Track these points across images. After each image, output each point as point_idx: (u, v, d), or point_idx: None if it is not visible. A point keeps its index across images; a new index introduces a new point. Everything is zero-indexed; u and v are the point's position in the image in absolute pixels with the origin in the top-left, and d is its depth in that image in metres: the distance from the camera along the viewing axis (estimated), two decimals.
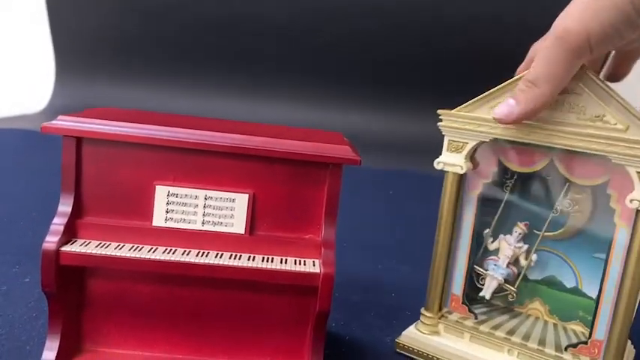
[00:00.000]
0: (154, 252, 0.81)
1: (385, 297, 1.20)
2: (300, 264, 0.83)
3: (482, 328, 0.95)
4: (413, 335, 0.99)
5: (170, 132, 0.81)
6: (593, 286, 0.95)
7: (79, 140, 0.81)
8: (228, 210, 0.83)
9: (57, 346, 0.81)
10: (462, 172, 0.91)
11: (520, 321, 0.99)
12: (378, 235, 1.64)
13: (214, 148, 0.81)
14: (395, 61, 3.34)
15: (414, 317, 1.04)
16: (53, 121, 0.80)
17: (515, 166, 0.94)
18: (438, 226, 0.95)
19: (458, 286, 1.00)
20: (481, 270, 1.00)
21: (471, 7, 3.12)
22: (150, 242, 0.82)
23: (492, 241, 1.00)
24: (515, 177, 0.97)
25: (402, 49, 3.31)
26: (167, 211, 0.83)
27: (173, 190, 0.83)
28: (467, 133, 0.89)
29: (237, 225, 0.84)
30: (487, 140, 0.88)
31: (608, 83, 0.81)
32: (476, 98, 0.87)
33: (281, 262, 0.82)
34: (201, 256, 0.81)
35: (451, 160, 0.91)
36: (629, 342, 0.97)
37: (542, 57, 0.77)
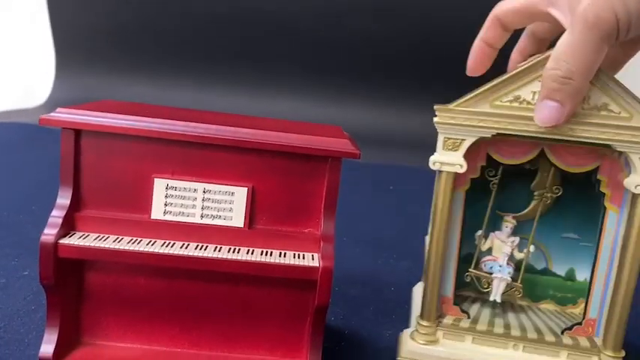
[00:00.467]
0: (152, 245, 0.80)
1: (384, 291, 1.20)
2: (299, 258, 0.82)
3: (479, 327, 0.93)
4: (414, 349, 0.92)
5: (169, 124, 0.80)
6: (562, 265, 1.01)
7: (78, 133, 0.81)
8: (227, 203, 0.83)
9: (55, 339, 0.81)
10: (461, 171, 0.87)
11: (504, 310, 0.99)
12: (377, 230, 1.64)
13: (213, 141, 0.81)
14: (396, 56, 3.33)
15: None
16: (52, 114, 0.79)
17: (504, 159, 0.91)
18: (433, 231, 0.90)
19: (448, 288, 0.95)
20: (483, 274, 0.97)
21: (473, 3, 3.11)
22: (148, 235, 0.82)
23: (485, 242, 0.98)
24: (499, 174, 0.95)
25: (403, 45, 3.30)
26: (166, 204, 0.83)
27: (172, 183, 0.82)
28: (466, 130, 0.85)
29: (236, 218, 0.83)
30: (489, 136, 0.85)
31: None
32: (474, 93, 0.84)
33: (280, 256, 0.82)
34: (200, 249, 0.81)
35: (448, 159, 0.86)
36: None
37: (571, 48, 0.75)
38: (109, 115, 0.80)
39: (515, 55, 0.99)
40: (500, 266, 0.96)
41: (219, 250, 0.81)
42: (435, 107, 0.85)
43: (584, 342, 0.91)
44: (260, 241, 0.84)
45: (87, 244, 0.79)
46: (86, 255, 0.79)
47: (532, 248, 0.97)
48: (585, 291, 0.95)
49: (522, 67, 0.82)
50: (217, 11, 3.32)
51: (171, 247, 0.81)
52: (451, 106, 0.84)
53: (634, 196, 0.84)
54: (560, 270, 1.01)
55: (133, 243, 0.80)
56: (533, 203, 0.97)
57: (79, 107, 0.82)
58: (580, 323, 0.93)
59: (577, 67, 0.75)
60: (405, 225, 1.71)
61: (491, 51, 0.95)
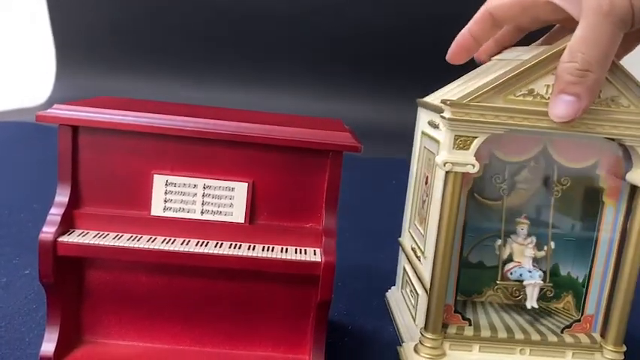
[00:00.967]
0: (152, 242, 0.80)
1: (388, 286, 1.19)
2: (300, 253, 0.81)
3: (483, 334, 0.90)
4: None
5: (168, 120, 0.79)
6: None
7: (75, 129, 0.80)
8: (227, 199, 0.82)
9: (56, 338, 0.81)
10: (473, 171, 0.82)
11: (497, 311, 0.97)
12: (380, 224, 1.62)
13: (213, 136, 0.80)
14: (398, 50, 3.32)
15: None
16: (49, 110, 0.78)
17: (508, 156, 0.88)
18: (440, 237, 0.85)
19: (449, 295, 0.90)
20: (513, 283, 0.94)
21: None
22: (148, 232, 0.81)
23: (504, 249, 0.95)
24: (506, 179, 0.93)
25: (405, 38, 3.29)
26: (165, 201, 0.82)
27: (171, 179, 0.81)
28: (479, 127, 0.80)
29: (237, 214, 0.82)
30: (501, 132, 0.81)
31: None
32: (486, 88, 0.79)
33: (281, 251, 0.81)
34: (201, 245, 0.80)
35: (459, 159, 0.81)
36: None
37: (587, 39, 0.73)
38: (106, 110, 0.79)
39: (490, 43, 0.96)
40: (530, 271, 0.92)
41: (220, 246, 0.80)
42: (449, 102, 0.79)
43: (584, 339, 0.91)
44: (261, 237, 0.83)
45: (86, 241, 0.78)
46: (86, 253, 0.79)
47: (552, 245, 0.93)
48: (569, 286, 0.95)
49: (537, 60, 0.78)
50: (218, 7, 3.31)
51: (172, 243, 0.80)
52: (465, 100, 0.78)
53: (636, 190, 0.84)
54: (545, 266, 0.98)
55: (133, 240, 0.80)
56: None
57: (76, 103, 0.81)
58: (579, 320, 0.92)
59: (594, 58, 0.73)
60: None
61: (474, 44, 0.94)
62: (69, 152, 0.80)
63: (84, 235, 0.79)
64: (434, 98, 0.99)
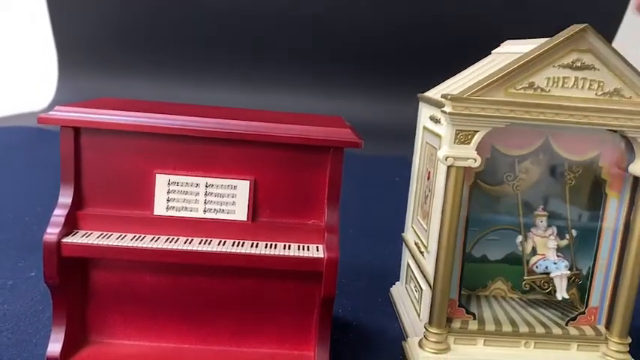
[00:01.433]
0: (155, 241, 0.80)
1: (392, 282, 1.19)
2: (303, 249, 0.81)
3: (488, 327, 0.90)
4: (429, 359, 0.87)
5: (169, 119, 0.80)
6: None
7: (77, 130, 0.80)
8: (229, 197, 0.82)
9: (62, 338, 0.81)
10: (475, 165, 0.82)
11: (501, 305, 0.97)
12: (384, 222, 1.63)
13: (214, 134, 0.80)
14: (399, 47, 3.32)
15: None
16: (50, 112, 0.79)
17: (510, 150, 0.88)
18: (443, 231, 0.85)
19: (453, 290, 0.89)
20: (540, 276, 0.93)
21: None
22: (152, 231, 0.82)
23: (526, 244, 0.95)
24: (517, 176, 0.93)
25: (407, 36, 3.29)
26: (168, 200, 0.82)
27: (173, 178, 0.82)
28: (479, 121, 0.80)
29: (240, 212, 0.83)
30: (503, 126, 0.81)
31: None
32: (487, 81, 0.79)
33: (284, 248, 0.81)
34: (204, 244, 0.80)
35: (461, 154, 0.81)
36: None
37: None
38: (107, 112, 0.79)
39: None
40: (555, 263, 0.92)
41: (223, 244, 0.81)
42: (450, 97, 0.79)
43: (589, 331, 0.91)
44: (264, 234, 0.83)
45: (90, 242, 0.78)
46: (90, 253, 0.79)
47: (574, 232, 0.93)
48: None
49: (537, 53, 0.78)
50: (219, 8, 3.32)
51: (175, 242, 0.80)
52: (466, 95, 0.78)
53: (639, 181, 0.84)
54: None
55: (137, 240, 0.80)
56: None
57: (77, 105, 0.81)
58: (583, 312, 0.92)
59: None
60: None
61: None
62: (71, 154, 0.80)
63: (88, 236, 0.80)
64: (435, 93, 0.99)
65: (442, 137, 0.86)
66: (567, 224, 0.94)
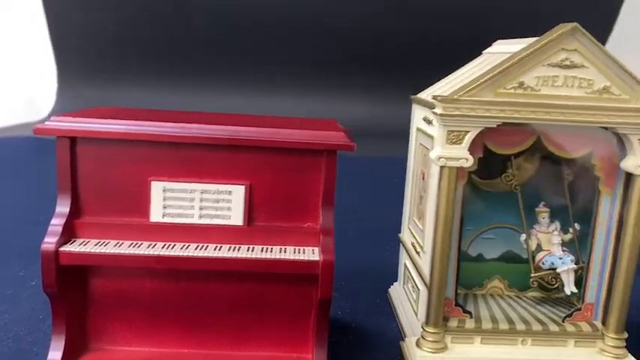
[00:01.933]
0: (152, 248, 0.81)
1: (391, 283, 1.20)
2: (299, 252, 0.82)
3: (485, 326, 0.90)
4: (425, 358, 0.87)
5: (162, 127, 0.81)
6: None
7: (73, 140, 0.81)
8: (225, 202, 0.83)
9: (62, 346, 0.82)
10: (467, 165, 0.82)
11: (498, 304, 0.98)
12: (383, 223, 1.63)
13: (208, 141, 0.81)
14: (398, 49, 3.34)
15: None
16: (46, 122, 0.80)
17: (502, 149, 0.88)
18: (437, 231, 0.85)
19: (449, 289, 0.90)
20: (546, 272, 0.94)
21: None
22: (148, 238, 0.82)
23: (530, 242, 0.96)
24: (514, 175, 0.94)
25: (402, 38, 3.30)
26: (164, 207, 0.83)
27: (169, 185, 0.83)
28: (471, 121, 0.80)
29: (235, 217, 0.84)
30: (494, 126, 0.81)
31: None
32: (476, 82, 0.79)
33: (280, 252, 0.82)
34: (201, 249, 0.81)
35: (453, 154, 0.82)
36: None
37: None
38: (102, 121, 0.80)
39: None
40: (561, 258, 0.93)
41: (219, 249, 0.81)
42: (440, 98, 0.80)
43: (585, 327, 0.91)
44: (260, 238, 0.84)
45: (87, 250, 0.79)
46: (87, 261, 0.80)
47: (577, 226, 0.94)
48: None
49: (526, 53, 0.79)
50: (219, 17, 3.34)
51: (172, 248, 0.81)
52: (456, 96, 0.79)
53: (631, 177, 0.85)
54: None
55: (134, 247, 0.81)
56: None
57: (73, 114, 0.82)
58: (580, 309, 0.92)
59: None
60: None
61: None
62: (67, 163, 0.81)
63: (85, 244, 0.81)
64: (427, 94, 1.00)
65: (434, 138, 0.87)
66: (569, 219, 0.95)
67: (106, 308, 0.87)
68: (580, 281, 0.94)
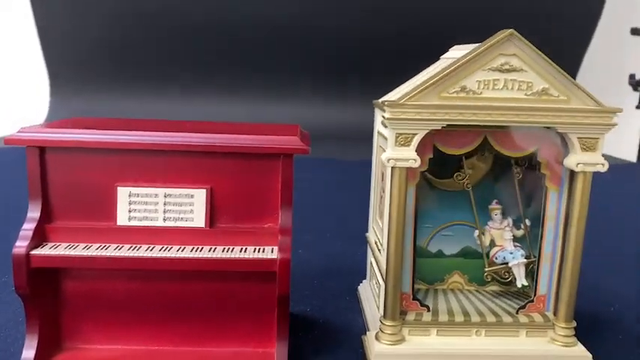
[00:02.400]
0: (119, 250, 0.85)
1: (360, 281, 1.24)
2: (259, 252, 0.87)
3: (441, 318, 0.95)
4: (383, 350, 0.91)
5: (126, 135, 0.85)
6: None
7: (42, 149, 0.86)
8: (187, 205, 0.88)
9: (35, 345, 0.86)
10: (415, 165, 0.87)
11: (457, 298, 1.02)
12: (362, 224, 1.67)
13: (170, 147, 0.86)
14: (386, 54, 3.40)
15: None
16: (15, 133, 0.85)
17: (451, 149, 0.92)
18: (390, 227, 0.90)
19: (406, 284, 0.94)
20: (499, 267, 0.99)
21: None
22: (116, 241, 0.87)
23: (484, 238, 1.01)
24: (467, 174, 0.99)
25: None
26: (130, 211, 0.87)
27: (134, 190, 0.87)
28: (417, 124, 0.85)
29: (198, 219, 0.88)
30: (439, 128, 0.86)
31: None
32: (422, 86, 0.84)
33: (241, 251, 0.87)
34: (164, 250, 0.86)
35: (402, 155, 0.86)
36: None
37: None
38: (69, 131, 0.85)
39: None
40: (512, 253, 0.98)
41: (182, 250, 0.86)
42: (387, 103, 0.85)
43: (538, 318, 0.96)
44: (222, 239, 0.88)
45: (57, 252, 0.84)
46: (57, 263, 0.85)
47: (527, 222, 0.99)
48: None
49: (467, 58, 0.84)
50: (209, 28, 3.39)
51: (137, 250, 0.86)
52: (402, 101, 0.84)
53: (574, 174, 0.89)
54: None
55: (102, 249, 0.85)
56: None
57: (43, 125, 0.87)
58: (532, 300, 0.97)
59: None
60: None
61: None
62: (37, 171, 0.86)
63: (56, 247, 0.85)
64: (387, 98, 1.05)
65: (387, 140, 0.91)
66: (521, 215, 0.99)
67: (78, 308, 0.91)
68: (532, 274, 0.98)
